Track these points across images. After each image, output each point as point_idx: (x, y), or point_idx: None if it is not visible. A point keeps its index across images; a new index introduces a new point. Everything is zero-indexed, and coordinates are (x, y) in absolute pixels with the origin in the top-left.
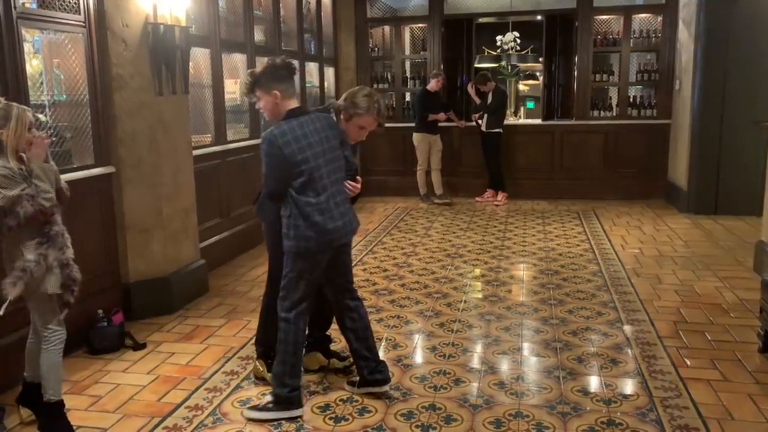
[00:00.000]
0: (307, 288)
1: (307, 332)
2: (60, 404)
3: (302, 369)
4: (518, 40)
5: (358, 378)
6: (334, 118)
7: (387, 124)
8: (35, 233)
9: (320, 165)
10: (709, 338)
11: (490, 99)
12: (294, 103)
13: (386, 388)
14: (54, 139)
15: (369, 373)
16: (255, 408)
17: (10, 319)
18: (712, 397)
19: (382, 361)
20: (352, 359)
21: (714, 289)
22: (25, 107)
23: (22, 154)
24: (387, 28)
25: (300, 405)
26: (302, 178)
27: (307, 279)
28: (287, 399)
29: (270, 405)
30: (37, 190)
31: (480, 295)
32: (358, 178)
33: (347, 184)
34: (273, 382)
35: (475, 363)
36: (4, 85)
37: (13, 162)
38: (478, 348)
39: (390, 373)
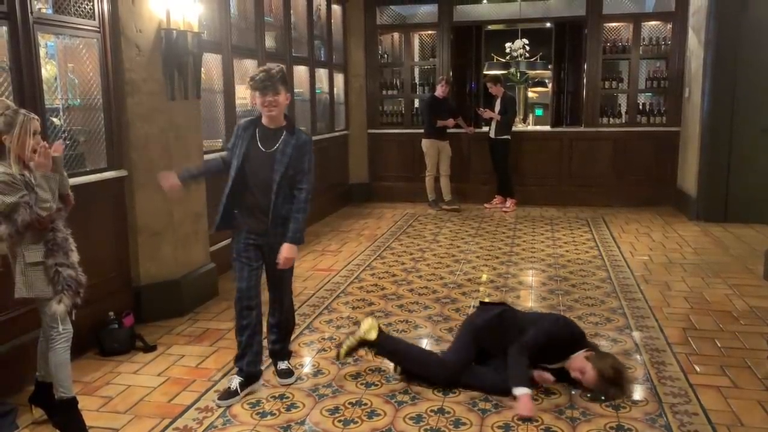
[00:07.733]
0: None
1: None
2: (73, 401)
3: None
4: (527, 47)
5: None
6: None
7: (396, 131)
8: (40, 238)
9: None
10: (719, 345)
11: (498, 106)
12: None
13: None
14: (68, 142)
15: None
16: (288, 374)
17: (20, 322)
18: (721, 404)
19: None
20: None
21: (724, 296)
22: (34, 116)
23: (29, 162)
24: (396, 35)
25: None
26: None
27: None
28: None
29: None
30: (36, 199)
31: (488, 301)
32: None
33: None
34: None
35: None
36: (20, 90)
37: (15, 168)
38: None
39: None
